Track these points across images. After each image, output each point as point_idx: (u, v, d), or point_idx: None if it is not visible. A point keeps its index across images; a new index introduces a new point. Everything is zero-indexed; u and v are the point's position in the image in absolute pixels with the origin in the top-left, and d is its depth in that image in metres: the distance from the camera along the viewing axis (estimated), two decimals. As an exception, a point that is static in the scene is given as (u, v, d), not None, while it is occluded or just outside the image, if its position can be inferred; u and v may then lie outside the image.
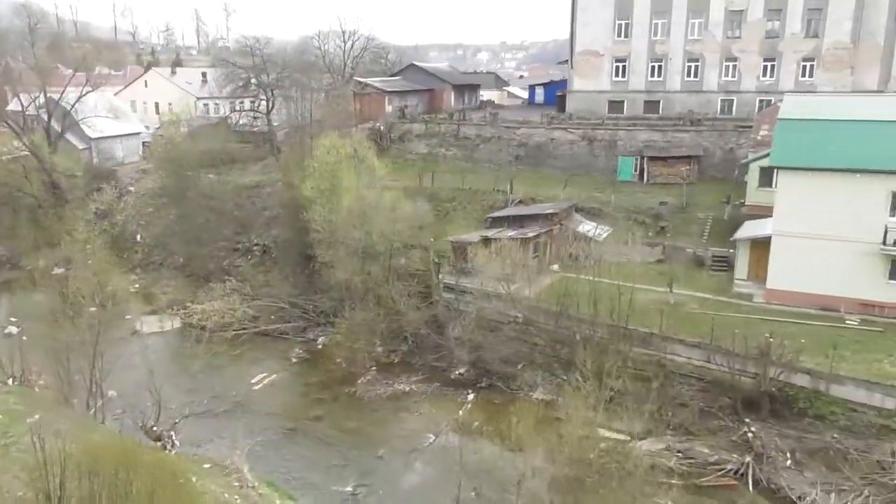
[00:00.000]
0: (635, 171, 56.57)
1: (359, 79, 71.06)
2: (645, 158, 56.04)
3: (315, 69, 67.97)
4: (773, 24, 61.33)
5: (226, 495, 25.09)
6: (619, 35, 64.49)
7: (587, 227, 46.81)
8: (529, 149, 61.83)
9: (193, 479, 25.14)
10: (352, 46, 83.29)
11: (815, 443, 29.40)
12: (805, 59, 61.28)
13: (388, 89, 68.82)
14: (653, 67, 64.26)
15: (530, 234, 42.49)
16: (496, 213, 47.95)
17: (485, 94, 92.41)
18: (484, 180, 56.89)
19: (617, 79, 65.34)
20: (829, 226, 36.01)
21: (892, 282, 35.45)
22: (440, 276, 42.29)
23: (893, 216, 35.00)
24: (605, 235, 46.50)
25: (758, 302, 38.65)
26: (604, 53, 65.05)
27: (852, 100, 45.17)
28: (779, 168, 37.31)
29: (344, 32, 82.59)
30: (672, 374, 34.23)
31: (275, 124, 67.09)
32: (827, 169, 35.87)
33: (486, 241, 42.61)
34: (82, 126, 68.63)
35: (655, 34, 63.66)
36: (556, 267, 45.36)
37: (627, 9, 63.79)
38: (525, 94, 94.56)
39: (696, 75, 63.49)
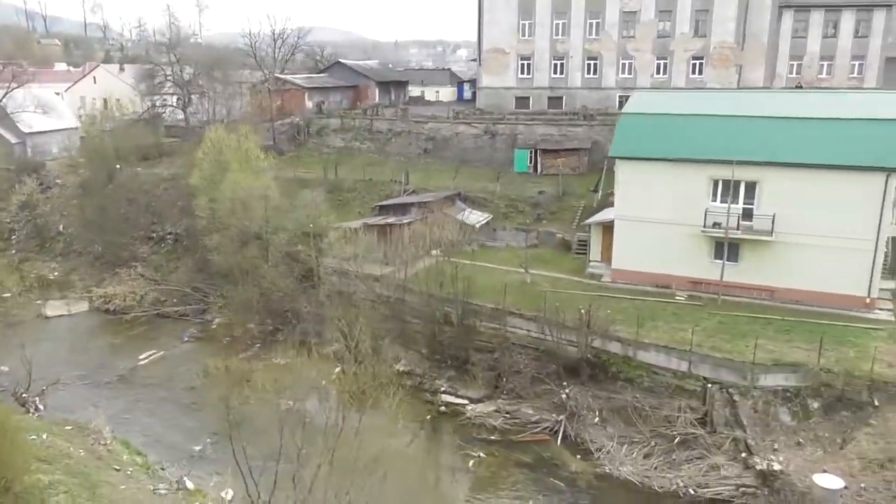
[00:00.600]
0: (530, 163, 59.84)
1: (278, 75, 73.87)
2: (538, 151, 59.37)
3: (233, 66, 70.50)
4: (664, 24, 64.92)
5: (71, 448, 28.04)
6: (523, 34, 67.78)
7: (467, 214, 50.08)
8: (437, 142, 64.96)
9: (44, 436, 28.24)
10: (282, 44, 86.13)
11: (618, 402, 32.89)
12: (694, 58, 64.94)
13: (308, 86, 71.74)
14: (555, 65, 67.64)
15: (405, 221, 45.63)
16: (383, 202, 51.07)
17: (424, 91, 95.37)
18: (387, 172, 60.03)
19: (522, 76, 68.65)
20: (661, 211, 39.53)
21: (716, 261, 38.95)
22: (322, 260, 45.35)
23: (714, 201, 38.59)
24: (482, 222, 49.80)
25: (605, 281, 42.16)
26: (509, 52, 68.34)
27: (691, 95, 49.02)
28: (617, 158, 40.72)
29: (273, 31, 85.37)
30: (513, 346, 37.57)
31: (203, 119, 69.79)
32: (657, 159, 39.40)
33: (366, 227, 45.80)
34: (15, 121, 70.91)
35: (557, 34, 67.03)
36: (435, 251, 48.60)
37: (530, 10, 67.07)
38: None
39: (595, 73, 66.95)
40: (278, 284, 42.09)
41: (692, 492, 28.16)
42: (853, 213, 35.74)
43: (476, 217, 49.83)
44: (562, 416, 33.13)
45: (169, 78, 65.36)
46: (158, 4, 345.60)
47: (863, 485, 26.25)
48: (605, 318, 34.98)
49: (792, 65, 65.82)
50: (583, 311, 34.48)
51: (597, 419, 32.89)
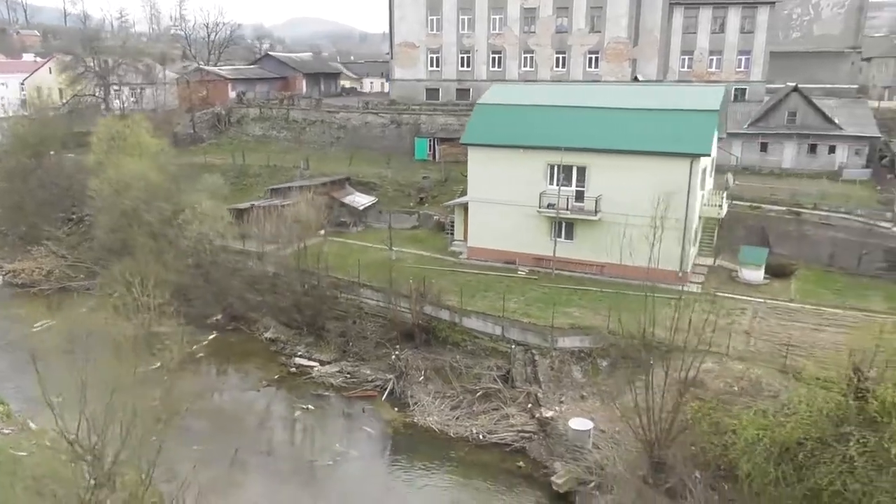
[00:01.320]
0: (429, 150, 63.33)
1: (203, 67, 76.95)
2: (436, 140, 62.86)
3: (154, 57, 73.50)
4: (561, 20, 68.42)
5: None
6: (431, 29, 71.13)
7: (354, 197, 53.54)
8: (348, 131, 68.38)
9: None
10: (215, 36, 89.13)
11: (440, 363, 36.53)
12: (590, 52, 68.54)
13: (231, 77, 74.93)
14: (462, 58, 71.08)
15: (287, 203, 49.05)
16: (276, 186, 54.47)
17: (362, 83, 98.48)
18: (298, 158, 63.39)
19: (432, 68, 72.04)
20: (506, 193, 43.08)
21: (561, 239, 42.61)
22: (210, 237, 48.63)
23: (550, 184, 42.21)
24: (367, 205, 53.29)
25: (462, 258, 45.80)
26: (419, 46, 71.70)
27: (541, 88, 52.74)
28: (468, 145, 44.26)
29: (207, 25, 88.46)
30: (365, 314, 41.22)
31: (131, 108, 72.79)
32: (502, 145, 42.97)
33: (254, 208, 49.20)
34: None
35: (463, 29, 70.43)
36: (322, 232, 52.08)
37: (437, 6, 70.42)
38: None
39: (499, 65, 70.44)
40: (161, 259, 45.32)
41: (481, 437, 31.83)
42: (666, 194, 39.35)
43: (361, 200, 53.31)
44: (391, 376, 36.81)
45: (90, 69, 68.27)
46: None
47: (617, 428, 30.02)
48: (438, 289, 38.61)
49: (683, 59, 69.47)
50: (412, 282, 38.10)
51: (421, 378, 36.49)
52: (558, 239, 42.47)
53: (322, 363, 39.46)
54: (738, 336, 33.60)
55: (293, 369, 39.17)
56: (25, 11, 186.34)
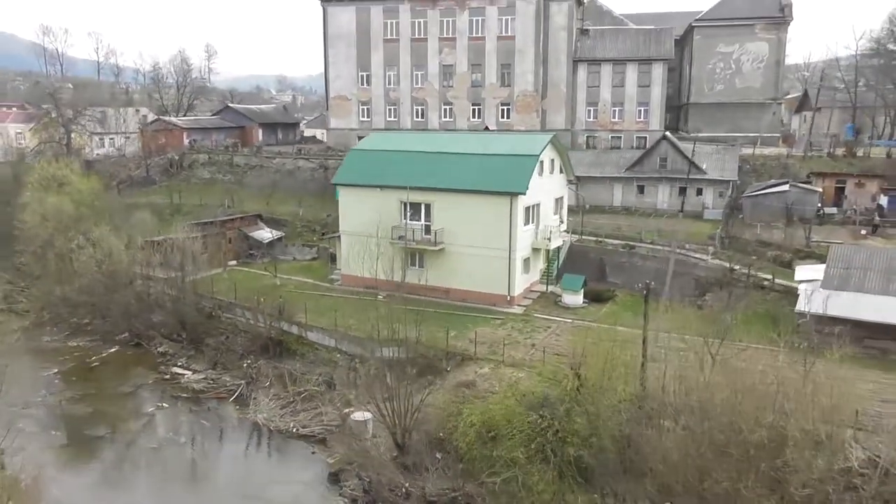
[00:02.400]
0: (349, 192, 69.49)
1: (161, 117, 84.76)
2: (354, 182, 69.02)
3: (117, 104, 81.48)
4: (476, 75, 75.02)
5: None
6: (362, 83, 78.13)
7: (262, 232, 59.78)
8: (283, 175, 75.07)
9: None
10: (184, 90, 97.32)
11: (283, 370, 42.03)
12: (503, 104, 74.84)
13: (185, 126, 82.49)
14: (389, 109, 77.82)
15: (198, 235, 55.36)
16: (198, 221, 60.90)
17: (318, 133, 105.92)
18: (238, 198, 70.14)
19: (363, 119, 78.82)
20: (370, 226, 48.67)
21: (412, 267, 48.13)
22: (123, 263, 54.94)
23: (404, 219, 47.97)
24: (272, 238, 59.46)
25: (336, 284, 51.51)
26: (351, 98, 78.65)
27: (408, 135, 59.06)
28: (339, 185, 50.37)
29: (177, 80, 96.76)
30: (238, 331, 46.93)
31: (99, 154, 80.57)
32: (364, 185, 48.99)
33: (167, 240, 55.50)
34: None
35: (389, 83, 77.32)
36: (233, 262, 58.32)
37: (366, 63, 77.49)
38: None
39: (422, 116, 76.98)
40: (76, 283, 51.71)
41: (295, 430, 37.09)
42: (493, 228, 44.99)
43: (266, 234, 59.51)
44: (243, 382, 42.35)
45: (54, 119, 76.11)
46: (173, 48, 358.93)
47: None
48: (292, 308, 44.33)
49: (589, 110, 75.45)
50: (262, 300, 43.92)
51: (268, 383, 41.98)
52: (412, 267, 47.90)
53: (193, 371, 45.06)
54: (525, 348, 38.71)
55: (167, 376, 44.79)
56: (62, 66, 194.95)
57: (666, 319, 32.28)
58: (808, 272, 41.21)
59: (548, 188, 48.57)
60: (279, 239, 60.04)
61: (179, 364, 46.32)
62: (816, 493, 23.94)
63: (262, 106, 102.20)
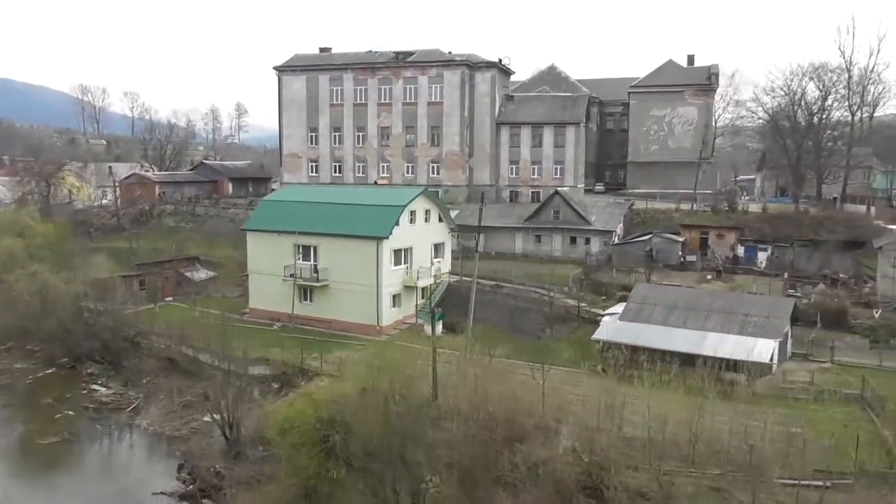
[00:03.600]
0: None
1: (137, 171, 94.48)
2: (293, 230, 77.02)
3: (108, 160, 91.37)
4: (410, 136, 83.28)
5: None
6: (311, 143, 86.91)
7: (196, 272, 67.74)
8: (237, 223, 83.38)
9: None
10: (165, 148, 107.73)
11: (174, 385, 49.21)
12: (433, 162, 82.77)
13: (157, 180, 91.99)
14: (335, 166, 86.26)
15: (133, 274, 63.54)
16: (143, 262, 69.20)
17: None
18: (190, 244, 78.52)
19: (312, 174, 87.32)
20: (271, 266, 56.45)
21: (304, 302, 55.48)
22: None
23: (297, 259, 55.48)
24: (204, 278, 67.35)
25: (245, 317, 58.92)
26: (302, 156, 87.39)
27: (312, 188, 66.64)
28: (247, 230, 58.31)
29: (161, 140, 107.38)
30: (152, 354, 54.37)
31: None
32: (267, 230, 56.82)
33: (112, 277, 63.79)
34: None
35: (335, 143, 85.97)
36: (169, 298, 66.23)
37: (315, 124, 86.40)
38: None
39: (363, 172, 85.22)
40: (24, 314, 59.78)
41: (169, 432, 44.12)
42: (364, 267, 52.25)
43: (200, 274, 67.45)
44: (141, 395, 49.64)
45: (33, 175, 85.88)
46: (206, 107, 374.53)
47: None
48: (194, 335, 51.74)
49: (511, 167, 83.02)
50: (164, 328, 51.42)
51: (161, 396, 49.22)
52: (304, 301, 55.35)
53: (107, 388, 52.55)
54: (365, 367, 45.41)
55: (84, 391, 52.31)
56: (98, 123, 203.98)
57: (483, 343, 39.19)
58: (618, 307, 47.54)
59: (421, 234, 55.77)
60: (212, 278, 67.82)
61: (99, 382, 53.86)
62: (542, 471, 30.16)
63: (237, 162, 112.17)
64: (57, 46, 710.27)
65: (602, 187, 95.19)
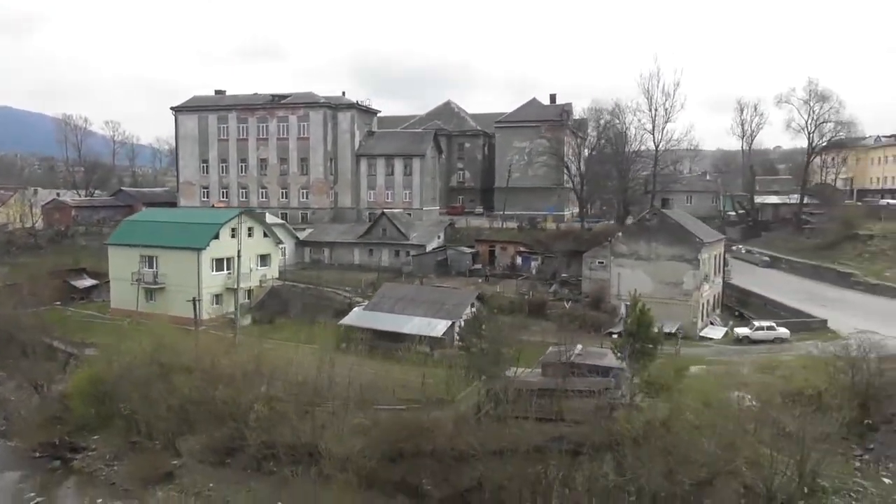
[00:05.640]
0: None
1: (55, 197, 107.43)
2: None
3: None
4: (283, 167, 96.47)
5: None
6: (203, 172, 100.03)
7: (82, 281, 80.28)
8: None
9: None
10: (86, 173, 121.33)
11: (29, 364, 61.57)
12: (302, 188, 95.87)
13: (73, 204, 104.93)
14: (222, 192, 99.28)
15: (26, 282, 75.97)
16: (34, 273, 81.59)
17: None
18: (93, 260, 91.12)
19: (203, 199, 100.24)
20: (125, 272, 69.10)
21: (149, 301, 68.08)
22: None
23: (143, 267, 68.12)
24: (90, 286, 79.87)
25: (108, 316, 71.38)
26: (195, 183, 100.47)
27: (164, 210, 79.62)
28: (108, 245, 71.12)
29: (84, 162, 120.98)
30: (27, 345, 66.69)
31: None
32: (121, 244, 69.59)
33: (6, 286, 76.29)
34: None
35: (222, 172, 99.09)
36: (58, 302, 78.62)
37: (206, 157, 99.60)
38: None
39: (246, 197, 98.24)
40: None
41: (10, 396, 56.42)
42: (190, 273, 64.95)
43: (86, 283, 79.95)
44: (4, 373, 61.96)
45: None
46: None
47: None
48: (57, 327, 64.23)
49: (370, 192, 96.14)
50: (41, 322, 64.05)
51: (18, 375, 61.49)
52: (148, 301, 68.02)
53: (-15, 372, 64.83)
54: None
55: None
56: (80, 149, 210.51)
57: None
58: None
59: (244, 247, 68.51)
60: (95, 286, 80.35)
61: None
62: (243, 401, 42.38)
63: (155, 189, 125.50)
64: (50, 76, 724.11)
65: (481, 209, 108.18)
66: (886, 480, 33.77)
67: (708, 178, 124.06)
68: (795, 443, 34.01)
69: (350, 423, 38.96)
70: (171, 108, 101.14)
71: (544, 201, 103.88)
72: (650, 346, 38.35)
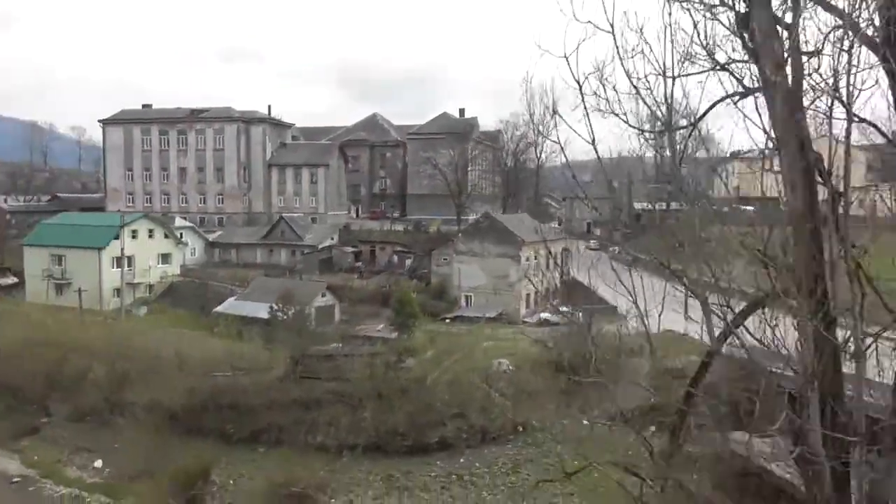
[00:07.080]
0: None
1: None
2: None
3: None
4: (201, 175, 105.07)
5: None
6: (128, 180, 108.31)
7: (5, 279, 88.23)
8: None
9: None
10: (30, 181, 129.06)
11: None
12: (218, 195, 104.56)
13: (9, 209, 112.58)
14: (146, 198, 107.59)
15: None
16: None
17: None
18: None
19: (129, 205, 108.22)
20: (39, 270, 77.28)
21: (59, 296, 76.31)
22: None
23: (53, 265, 76.34)
24: (9, 283, 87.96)
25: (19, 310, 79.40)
26: (120, 190, 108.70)
27: (79, 214, 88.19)
28: (23, 245, 79.39)
29: (26, 174, 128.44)
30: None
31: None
32: (35, 245, 77.82)
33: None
34: None
35: (146, 180, 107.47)
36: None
37: (131, 165, 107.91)
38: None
39: (168, 203, 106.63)
40: None
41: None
42: (93, 269, 73.35)
43: (8, 280, 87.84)
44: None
45: None
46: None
47: None
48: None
49: (280, 198, 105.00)
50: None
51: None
52: (58, 295, 76.23)
53: None
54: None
55: None
56: (45, 155, 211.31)
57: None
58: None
59: (145, 247, 77.19)
60: (16, 284, 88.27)
61: None
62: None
63: (93, 195, 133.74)
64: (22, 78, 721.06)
65: (398, 213, 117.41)
66: (585, 422, 43.30)
67: (615, 185, 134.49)
68: (524, 395, 43.82)
69: (185, 386, 48.03)
70: (99, 121, 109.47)
71: (448, 207, 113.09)
72: (411, 321, 47.88)
